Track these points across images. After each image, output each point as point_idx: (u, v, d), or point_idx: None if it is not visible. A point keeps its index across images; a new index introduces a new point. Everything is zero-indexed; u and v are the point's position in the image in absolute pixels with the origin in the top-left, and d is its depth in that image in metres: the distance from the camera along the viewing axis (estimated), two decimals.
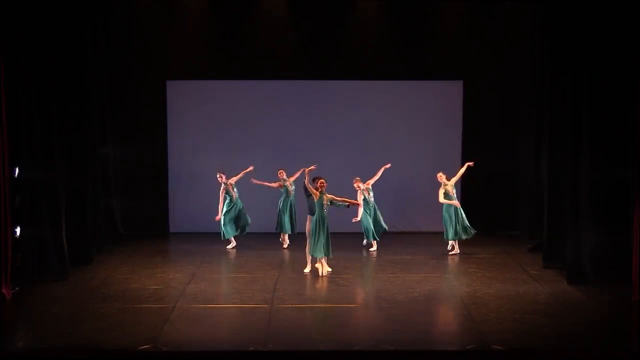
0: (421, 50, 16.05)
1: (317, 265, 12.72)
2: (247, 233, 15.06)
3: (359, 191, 14.32)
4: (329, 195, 12.55)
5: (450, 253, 14.29)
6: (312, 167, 12.89)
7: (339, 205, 12.67)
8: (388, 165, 14.65)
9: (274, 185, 14.84)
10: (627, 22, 11.32)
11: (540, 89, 14.16)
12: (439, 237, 14.79)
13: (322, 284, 12.20)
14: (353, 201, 12.71)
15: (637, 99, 11.04)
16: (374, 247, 14.55)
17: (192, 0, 15.90)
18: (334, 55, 15.98)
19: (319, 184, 12.54)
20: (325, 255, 12.55)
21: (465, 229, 14.25)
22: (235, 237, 14.83)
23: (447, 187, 14.22)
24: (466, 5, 15.96)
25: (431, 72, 16.16)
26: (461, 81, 16.21)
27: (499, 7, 15.90)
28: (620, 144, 11.59)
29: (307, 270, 12.80)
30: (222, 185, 14.63)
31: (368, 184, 14.48)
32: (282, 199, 14.87)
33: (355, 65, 16.00)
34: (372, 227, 14.45)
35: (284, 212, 14.83)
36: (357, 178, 14.42)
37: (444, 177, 14.29)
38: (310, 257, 12.79)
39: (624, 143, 11.48)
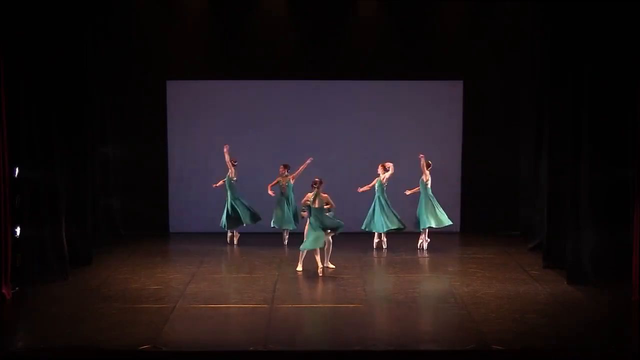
0: (421, 50, 16.04)
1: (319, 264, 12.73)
2: (248, 232, 15.20)
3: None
4: (310, 195, 12.65)
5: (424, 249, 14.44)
6: (308, 160, 12.86)
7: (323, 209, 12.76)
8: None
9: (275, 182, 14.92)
10: (627, 23, 11.32)
11: (540, 89, 14.16)
12: (440, 237, 14.79)
13: (322, 284, 12.20)
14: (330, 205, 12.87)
15: (637, 99, 11.04)
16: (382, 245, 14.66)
17: (192, 0, 15.90)
18: (334, 55, 15.97)
19: (312, 182, 12.70)
20: (308, 248, 12.60)
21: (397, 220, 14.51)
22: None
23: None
24: (466, 5, 15.95)
25: (431, 72, 16.15)
26: (461, 81, 16.21)
27: (499, 7, 15.88)
28: (620, 144, 11.59)
29: (298, 268, 12.82)
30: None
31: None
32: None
33: (355, 65, 15.99)
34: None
35: (276, 207, 14.91)
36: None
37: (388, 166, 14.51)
38: (301, 255, 12.80)
39: (624, 143, 11.48)
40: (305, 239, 12.75)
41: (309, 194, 12.75)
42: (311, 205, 12.65)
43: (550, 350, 9.17)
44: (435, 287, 12.13)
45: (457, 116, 16.24)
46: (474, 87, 16.14)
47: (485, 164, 16.02)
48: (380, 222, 14.41)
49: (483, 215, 16.14)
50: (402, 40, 15.99)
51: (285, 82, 16.25)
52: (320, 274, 12.55)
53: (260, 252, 14.42)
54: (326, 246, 12.82)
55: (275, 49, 15.90)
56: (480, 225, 16.07)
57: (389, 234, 14.65)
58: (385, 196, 14.49)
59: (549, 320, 10.13)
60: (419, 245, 14.60)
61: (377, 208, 14.46)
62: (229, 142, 15.24)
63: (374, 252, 14.42)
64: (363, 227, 14.62)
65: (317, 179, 12.77)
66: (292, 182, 14.79)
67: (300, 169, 14.68)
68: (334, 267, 12.80)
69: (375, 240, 14.73)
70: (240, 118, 16.14)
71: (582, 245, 11.87)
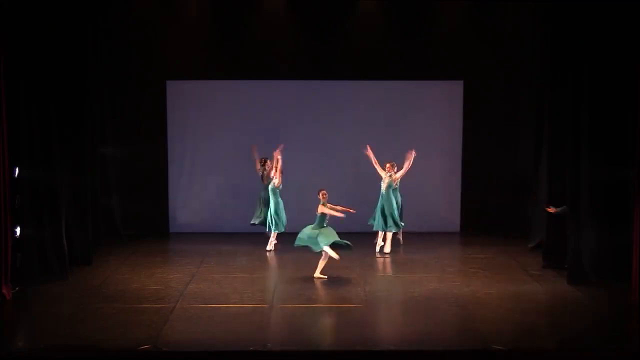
0: (421, 50, 16.03)
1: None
2: (249, 233, 15.22)
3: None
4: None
5: (381, 252, 14.00)
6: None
7: None
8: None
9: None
10: (627, 23, 11.33)
11: (540, 88, 14.16)
12: (440, 237, 14.79)
13: (322, 284, 12.19)
14: None
15: (637, 99, 11.04)
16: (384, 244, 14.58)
17: (192, 0, 15.90)
18: (334, 55, 15.96)
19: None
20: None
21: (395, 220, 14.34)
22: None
23: (392, 178, 14.31)
24: (466, 5, 15.95)
25: (431, 72, 16.14)
26: (461, 81, 16.20)
27: (499, 7, 15.88)
28: (620, 144, 11.59)
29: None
30: None
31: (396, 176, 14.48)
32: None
33: (355, 65, 15.98)
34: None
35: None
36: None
37: (395, 168, 14.38)
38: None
39: (624, 143, 11.49)
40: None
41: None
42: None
43: (550, 350, 9.18)
44: (435, 287, 12.13)
45: (457, 116, 16.24)
46: (474, 87, 16.13)
47: (485, 164, 16.02)
48: (380, 221, 14.40)
49: (483, 215, 16.14)
50: (402, 40, 15.97)
51: (286, 82, 16.23)
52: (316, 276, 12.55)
53: (261, 252, 14.42)
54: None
55: (275, 49, 15.89)
56: (480, 225, 16.06)
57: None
58: (392, 195, 14.40)
59: (549, 320, 10.14)
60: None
61: (380, 206, 14.42)
62: (228, 142, 15.23)
63: (375, 253, 14.38)
64: (374, 228, 14.51)
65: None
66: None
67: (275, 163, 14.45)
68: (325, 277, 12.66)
69: (377, 239, 14.69)
70: (240, 118, 16.13)
71: (582, 245, 11.88)
